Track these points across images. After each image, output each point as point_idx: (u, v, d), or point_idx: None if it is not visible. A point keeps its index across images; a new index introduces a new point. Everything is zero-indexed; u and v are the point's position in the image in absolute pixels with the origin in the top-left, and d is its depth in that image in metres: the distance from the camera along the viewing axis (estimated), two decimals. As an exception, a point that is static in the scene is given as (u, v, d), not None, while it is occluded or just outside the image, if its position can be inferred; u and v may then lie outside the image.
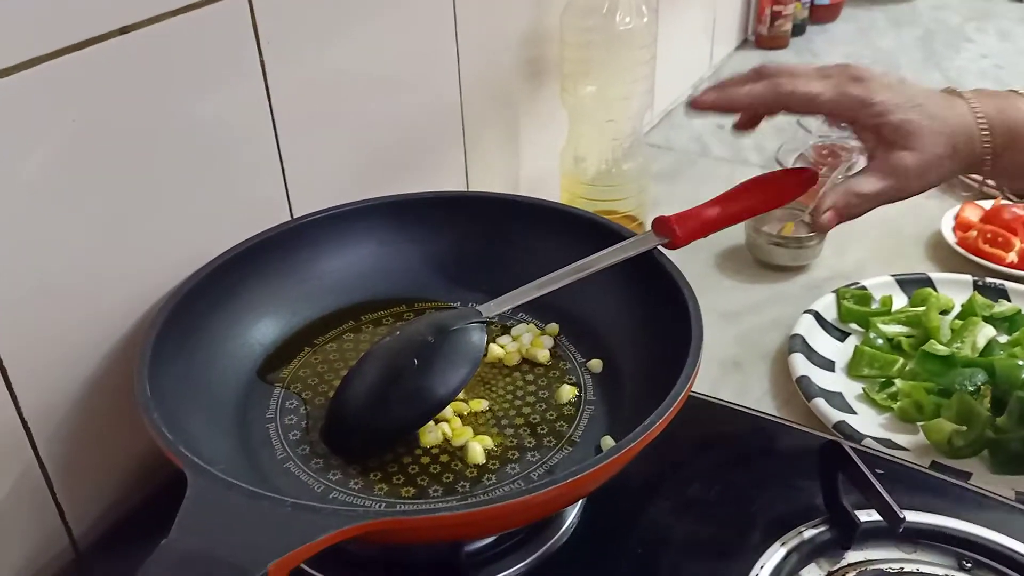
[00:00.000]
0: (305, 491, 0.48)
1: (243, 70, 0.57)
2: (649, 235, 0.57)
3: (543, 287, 0.55)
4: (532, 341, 0.59)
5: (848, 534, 0.51)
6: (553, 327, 0.60)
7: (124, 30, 0.49)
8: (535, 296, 0.55)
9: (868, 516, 0.51)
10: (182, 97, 0.53)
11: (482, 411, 0.54)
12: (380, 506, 0.47)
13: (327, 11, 0.62)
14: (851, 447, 0.52)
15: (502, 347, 0.59)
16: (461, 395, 0.53)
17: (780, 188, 0.62)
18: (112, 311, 0.53)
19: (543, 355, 0.58)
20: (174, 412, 0.46)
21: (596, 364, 0.57)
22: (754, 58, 1.44)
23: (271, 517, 0.38)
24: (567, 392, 0.55)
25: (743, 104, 0.59)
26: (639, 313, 0.57)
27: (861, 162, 1.00)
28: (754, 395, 0.74)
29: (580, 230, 0.62)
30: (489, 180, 0.86)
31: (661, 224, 0.58)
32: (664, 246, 0.57)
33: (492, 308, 0.54)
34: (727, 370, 0.77)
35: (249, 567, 0.34)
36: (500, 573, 0.48)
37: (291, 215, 0.63)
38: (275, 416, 0.53)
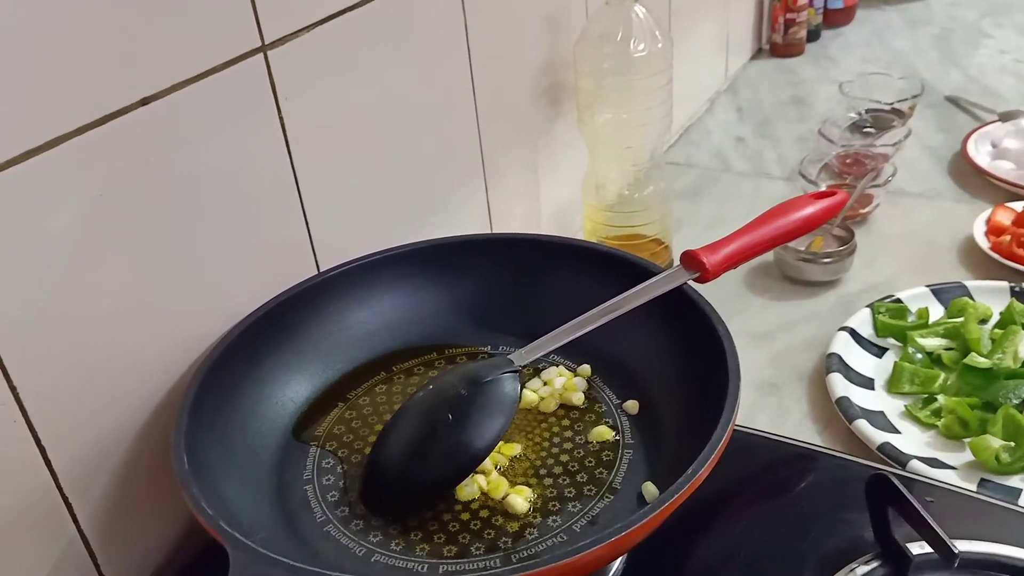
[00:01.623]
0: (347, 555, 0.48)
1: (263, 126, 0.57)
2: (679, 270, 0.56)
3: (574, 331, 0.54)
4: (565, 384, 0.58)
5: (902, 569, 0.49)
6: (585, 368, 0.60)
7: (145, 101, 0.49)
8: (566, 341, 0.54)
9: (921, 549, 0.49)
10: (204, 159, 0.53)
11: (518, 458, 0.54)
12: (423, 568, 0.47)
13: (342, 59, 0.62)
14: (898, 478, 0.51)
15: (535, 391, 0.58)
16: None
17: (809, 217, 0.60)
18: (146, 379, 0.53)
19: (578, 398, 0.57)
20: (212, 481, 0.46)
21: (632, 405, 0.57)
22: (770, 67, 1.43)
23: (315, 593, 0.37)
24: (603, 433, 0.54)
25: None
26: (673, 350, 0.56)
27: (887, 170, 0.98)
28: (793, 419, 0.73)
29: (606, 266, 0.61)
30: (511, 215, 0.86)
31: (690, 259, 0.56)
32: (694, 280, 0.56)
33: (524, 356, 0.54)
34: (764, 393, 0.75)
35: (297, 650, 0.34)
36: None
37: (316, 264, 0.63)
38: (312, 477, 0.53)
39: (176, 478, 0.44)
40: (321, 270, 0.63)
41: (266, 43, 0.56)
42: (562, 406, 0.57)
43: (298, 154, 0.60)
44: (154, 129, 0.50)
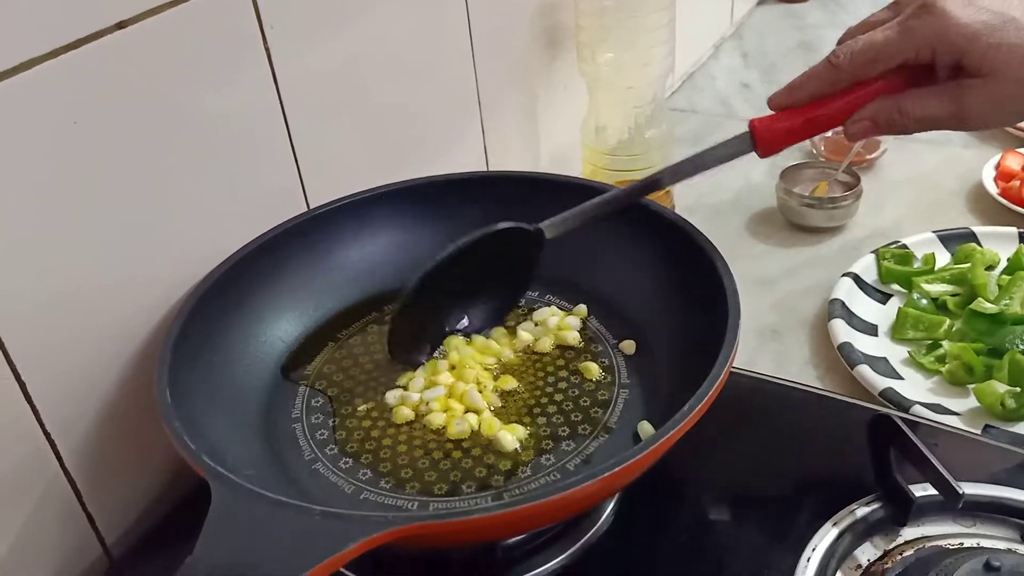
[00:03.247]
0: (335, 492, 0.47)
1: (248, 59, 0.55)
2: (745, 136, 0.51)
3: (607, 204, 0.53)
4: (559, 323, 0.57)
5: (903, 510, 0.48)
6: (581, 308, 0.58)
7: (121, 25, 0.47)
8: (601, 213, 0.53)
9: (923, 491, 0.48)
10: (186, 91, 0.51)
11: (511, 395, 0.53)
12: (413, 506, 0.46)
13: (332, -6, 0.60)
14: (902, 419, 0.50)
15: (530, 333, 0.57)
16: (489, 374, 0.53)
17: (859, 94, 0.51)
18: (130, 316, 0.51)
19: (573, 337, 0.56)
20: (196, 417, 0.45)
21: (629, 345, 0.55)
22: (775, 13, 1.39)
23: (299, 527, 0.36)
24: (591, 369, 0.54)
25: (808, 94, 0.49)
26: (671, 289, 0.55)
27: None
28: (795, 365, 0.71)
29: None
30: (509, 157, 0.84)
31: (751, 127, 0.51)
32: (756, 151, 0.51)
33: (553, 228, 0.53)
34: (765, 339, 0.74)
35: (279, 581, 0.33)
36: (538, 568, 0.47)
37: (307, 206, 0.61)
38: (301, 415, 0.52)
39: (159, 412, 0.43)
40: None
41: (249, -31, 0.53)
42: (558, 346, 0.56)
43: (287, 90, 0.58)
44: (131, 56, 0.48)
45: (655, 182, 0.53)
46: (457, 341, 0.56)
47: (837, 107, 0.49)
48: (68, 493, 0.50)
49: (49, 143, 0.45)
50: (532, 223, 0.53)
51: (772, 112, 0.50)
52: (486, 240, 0.52)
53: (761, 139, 0.50)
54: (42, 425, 0.48)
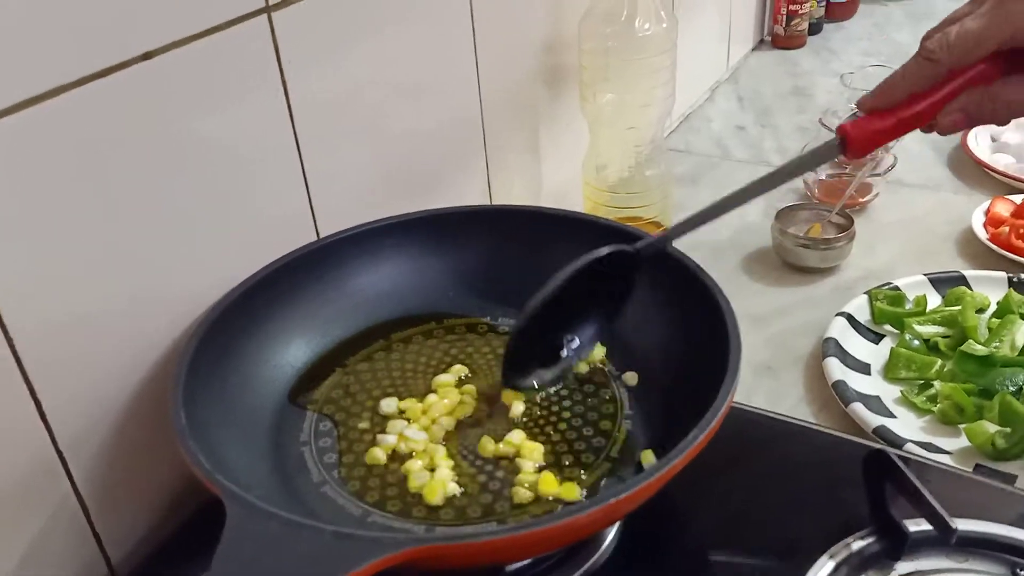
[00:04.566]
0: (342, 515, 0.47)
1: (265, 89, 0.57)
2: (833, 141, 0.51)
3: (724, 207, 0.56)
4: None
5: (898, 545, 0.49)
6: (600, 350, 0.59)
7: (147, 56, 0.49)
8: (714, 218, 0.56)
9: (917, 526, 0.49)
10: (206, 119, 0.53)
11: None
12: (420, 529, 0.46)
13: (346, 26, 0.62)
14: (896, 455, 0.51)
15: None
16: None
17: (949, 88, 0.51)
18: (143, 338, 0.52)
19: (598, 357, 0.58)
20: (209, 438, 0.45)
21: (631, 377, 0.56)
22: (771, 58, 1.43)
23: (311, 546, 0.37)
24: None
25: (903, 92, 0.49)
26: (674, 323, 0.56)
27: (887, 160, 0.98)
28: (789, 401, 0.73)
29: (605, 239, 0.61)
30: (511, 191, 0.86)
31: (841, 131, 0.51)
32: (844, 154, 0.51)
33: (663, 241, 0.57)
34: (760, 375, 0.75)
35: (293, 599, 0.34)
36: (542, 593, 0.47)
37: (317, 233, 0.63)
38: (309, 439, 0.53)
39: (174, 432, 0.44)
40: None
41: (271, 4, 0.55)
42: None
43: (301, 121, 0.60)
44: (156, 85, 0.49)
45: (744, 194, 0.55)
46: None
47: (928, 103, 0.49)
48: (77, 511, 0.50)
49: (72, 168, 0.46)
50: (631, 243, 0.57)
51: (860, 115, 0.51)
52: (591, 265, 0.55)
53: (853, 141, 0.50)
54: (55, 443, 0.48)
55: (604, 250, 0.55)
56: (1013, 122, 1.11)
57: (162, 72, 0.50)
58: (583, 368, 0.58)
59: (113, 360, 0.51)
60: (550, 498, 0.49)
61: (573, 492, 0.49)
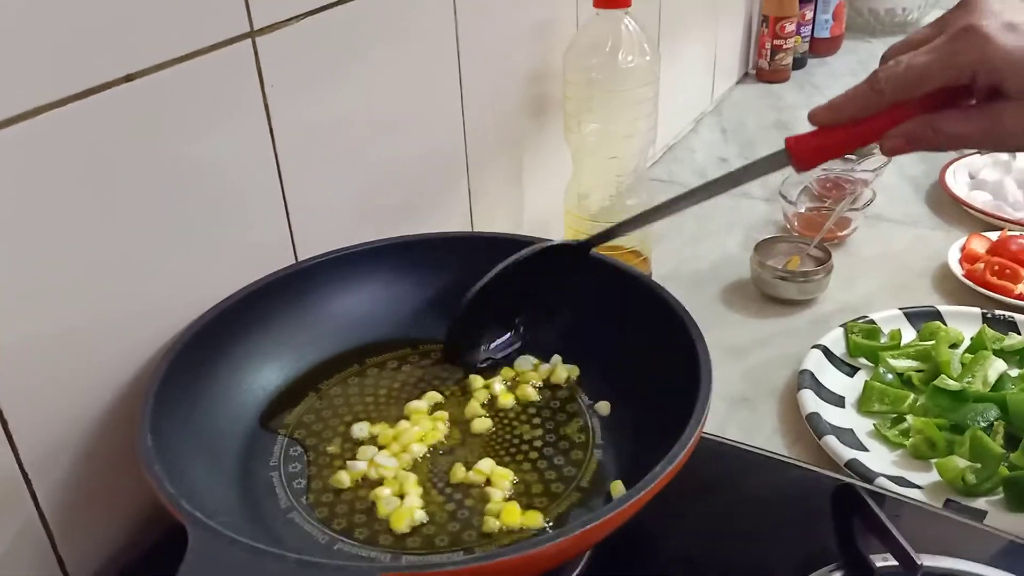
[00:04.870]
0: (309, 542, 0.47)
1: (247, 113, 0.57)
2: (781, 153, 0.52)
3: (652, 215, 0.59)
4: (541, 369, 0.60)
5: (864, 580, 0.50)
6: (574, 368, 0.60)
7: (129, 78, 0.49)
8: (641, 225, 0.59)
9: (884, 561, 0.50)
10: (187, 141, 0.53)
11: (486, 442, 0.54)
12: (386, 558, 0.46)
13: (331, 53, 0.62)
14: (865, 489, 0.51)
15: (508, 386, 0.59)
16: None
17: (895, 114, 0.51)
18: (114, 359, 0.52)
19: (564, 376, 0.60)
20: (176, 462, 0.45)
21: (604, 406, 0.57)
22: (755, 92, 1.45)
23: (275, 574, 0.37)
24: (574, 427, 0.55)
25: (848, 114, 0.50)
26: (647, 354, 0.56)
27: (866, 195, 1.00)
28: (763, 433, 0.73)
29: (584, 269, 0.61)
30: (493, 219, 0.86)
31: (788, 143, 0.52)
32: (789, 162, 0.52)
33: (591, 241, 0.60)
34: (735, 407, 0.76)
35: (252, 628, 0.34)
36: (508, 624, 0.47)
37: (295, 258, 0.63)
38: (279, 464, 0.52)
39: (139, 457, 0.44)
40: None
41: (255, 28, 0.56)
42: (533, 406, 0.58)
43: (282, 146, 0.60)
44: (138, 107, 0.50)
45: (689, 196, 0.57)
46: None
47: (872, 126, 0.50)
48: (40, 534, 0.50)
49: (48, 187, 0.46)
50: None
51: (810, 128, 0.52)
52: (534, 258, 0.59)
53: (797, 155, 0.51)
54: (20, 463, 0.48)
55: (548, 243, 0.60)
56: (990, 159, 1.13)
57: (144, 94, 0.50)
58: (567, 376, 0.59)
59: (83, 380, 0.51)
60: (518, 528, 0.48)
61: (536, 521, 0.49)
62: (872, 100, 0.49)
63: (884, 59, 0.50)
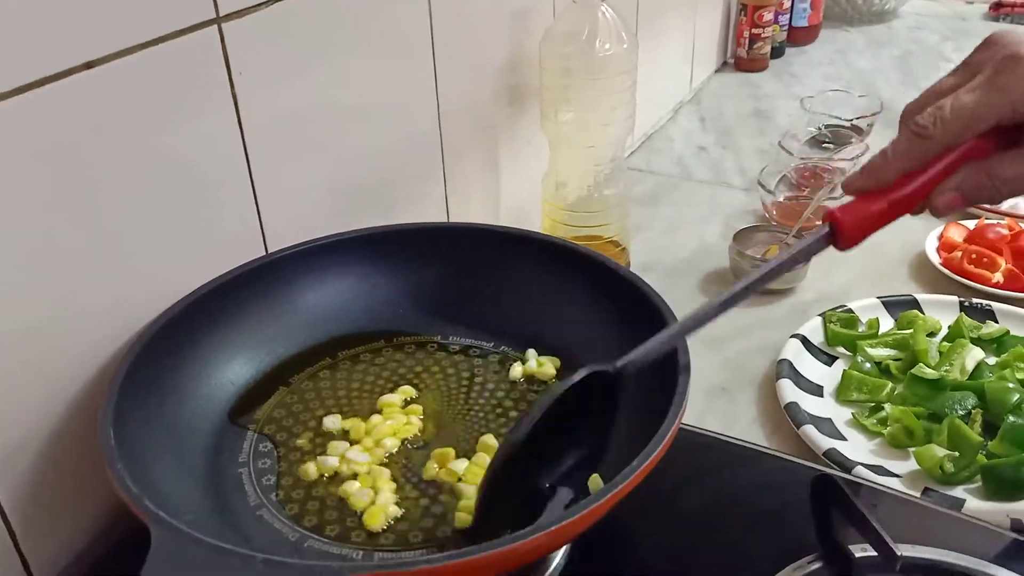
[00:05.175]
0: (279, 539, 0.46)
1: (214, 102, 0.56)
2: (824, 232, 0.47)
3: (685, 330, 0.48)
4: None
5: (843, 571, 0.49)
6: (556, 360, 0.59)
7: (89, 65, 0.47)
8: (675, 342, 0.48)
9: (863, 551, 0.49)
10: (151, 131, 0.52)
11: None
12: (358, 555, 0.45)
13: (301, 41, 0.61)
14: (843, 480, 0.51)
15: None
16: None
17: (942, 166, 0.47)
18: (79, 353, 0.51)
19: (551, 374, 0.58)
20: (141, 458, 0.44)
21: (581, 399, 0.56)
22: (733, 81, 1.44)
23: (241, 575, 0.36)
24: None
25: (894, 171, 0.46)
26: (624, 346, 0.55)
27: (843, 184, 0.99)
28: (742, 423, 0.72)
29: (562, 261, 0.60)
30: (469, 209, 0.85)
31: (830, 217, 0.47)
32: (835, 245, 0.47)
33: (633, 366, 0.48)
34: (714, 397, 0.75)
35: (216, 631, 0.33)
36: (484, 621, 0.46)
37: (266, 250, 0.62)
38: (248, 460, 0.51)
39: (101, 454, 0.43)
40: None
41: (221, 15, 0.54)
42: (511, 399, 0.57)
43: (251, 134, 0.58)
44: (99, 96, 0.48)
45: (733, 298, 0.49)
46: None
47: (921, 183, 0.45)
48: (3, 533, 0.48)
49: (7, 177, 0.45)
50: (609, 363, 0.48)
51: (849, 199, 0.47)
52: (569, 392, 0.46)
53: (844, 230, 0.46)
54: (-21, 463, 0.47)
55: (579, 375, 0.46)
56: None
57: (105, 82, 0.48)
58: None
59: (46, 375, 0.49)
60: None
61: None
62: (918, 149, 0.45)
63: (907, 114, 0.46)
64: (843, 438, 0.69)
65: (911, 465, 0.66)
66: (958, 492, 0.63)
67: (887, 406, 0.71)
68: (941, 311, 0.81)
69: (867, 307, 0.82)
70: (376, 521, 0.47)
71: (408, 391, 0.57)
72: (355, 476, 0.50)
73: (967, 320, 0.79)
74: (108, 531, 0.54)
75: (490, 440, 0.53)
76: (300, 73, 0.61)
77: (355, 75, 0.66)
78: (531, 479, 0.47)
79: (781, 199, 0.99)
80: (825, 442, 0.66)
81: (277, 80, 0.60)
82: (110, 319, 0.52)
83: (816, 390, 0.74)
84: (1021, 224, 0.93)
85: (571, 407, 0.46)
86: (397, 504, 0.48)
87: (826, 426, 0.70)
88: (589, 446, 0.48)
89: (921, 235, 0.94)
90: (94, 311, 0.51)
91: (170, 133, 0.53)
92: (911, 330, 0.77)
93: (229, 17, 0.55)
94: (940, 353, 0.75)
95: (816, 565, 0.50)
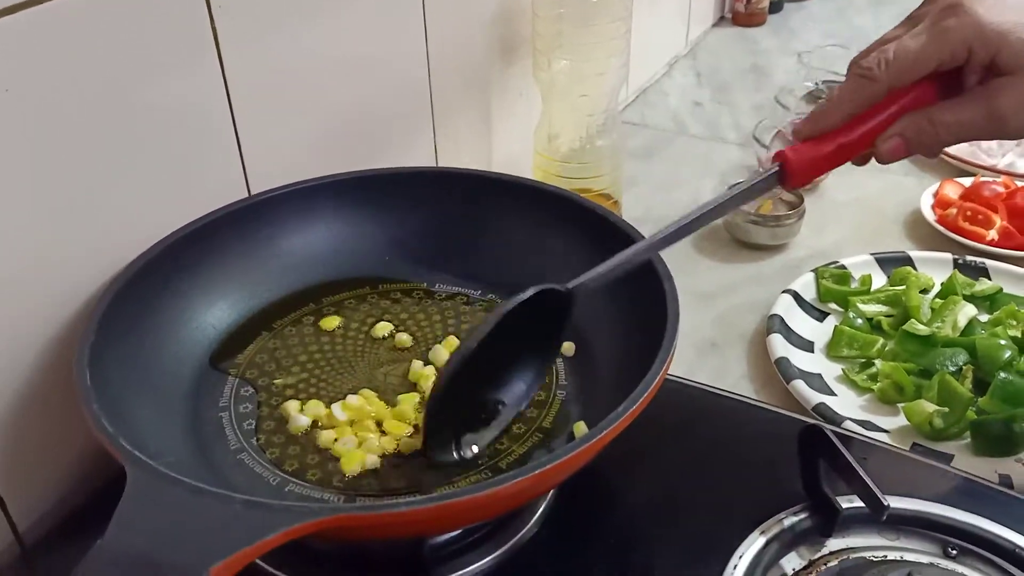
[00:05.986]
0: (259, 484, 0.45)
1: (194, 41, 0.54)
2: (772, 170, 0.48)
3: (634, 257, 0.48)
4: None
5: (829, 521, 0.49)
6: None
7: (61, -8, 0.45)
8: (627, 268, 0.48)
9: (850, 503, 0.49)
10: (126, 68, 0.50)
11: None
12: (339, 499, 0.45)
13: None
14: (832, 431, 0.50)
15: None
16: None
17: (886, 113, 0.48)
18: (57, 295, 0.50)
19: None
20: (118, 401, 0.43)
21: (568, 347, 0.55)
22: (730, 35, 1.42)
23: (217, 515, 0.35)
24: None
25: (841, 114, 0.48)
26: (613, 294, 0.54)
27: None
28: (732, 377, 0.72)
29: (552, 207, 0.59)
30: (459, 159, 0.84)
31: (779, 157, 0.49)
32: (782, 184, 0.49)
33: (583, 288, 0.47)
34: (704, 352, 0.75)
35: (190, 569, 0.32)
36: (467, 567, 0.46)
37: (248, 192, 0.60)
38: (229, 404, 0.50)
39: (76, 394, 0.42)
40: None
41: (201, -53, 0.52)
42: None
43: (233, 77, 0.57)
44: (72, 27, 0.46)
45: (687, 227, 0.49)
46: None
47: (867, 128, 0.47)
48: (-20, 478, 0.48)
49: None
50: (561, 283, 0.47)
51: (797, 143, 0.49)
52: (516, 310, 0.45)
53: (791, 169, 0.48)
54: (-47, 405, 0.46)
55: (529, 292, 0.46)
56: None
57: (79, 13, 0.46)
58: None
59: (22, 319, 0.48)
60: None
61: None
62: (865, 91, 0.46)
63: (854, 64, 0.48)
64: (833, 393, 0.68)
65: (900, 421, 0.66)
66: (947, 447, 0.63)
67: (878, 362, 0.70)
68: (934, 268, 0.81)
69: (860, 263, 0.81)
70: (351, 466, 0.46)
71: (387, 327, 0.56)
72: (335, 426, 0.49)
73: (960, 277, 0.78)
74: (90, 475, 0.53)
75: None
76: (285, 14, 0.59)
77: (344, 20, 0.64)
78: (478, 394, 0.48)
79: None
80: (815, 397, 0.66)
81: (262, 21, 0.58)
82: (87, 263, 0.51)
83: (807, 346, 0.74)
84: (1017, 182, 0.92)
85: (522, 324, 0.46)
86: (378, 454, 0.48)
87: (816, 381, 0.69)
88: (535, 365, 0.50)
89: (916, 192, 0.93)
90: (71, 255, 0.50)
91: (147, 70, 0.51)
92: (904, 286, 0.77)
93: (210, -49, 0.53)
94: (932, 310, 0.74)
95: (803, 515, 0.49)
